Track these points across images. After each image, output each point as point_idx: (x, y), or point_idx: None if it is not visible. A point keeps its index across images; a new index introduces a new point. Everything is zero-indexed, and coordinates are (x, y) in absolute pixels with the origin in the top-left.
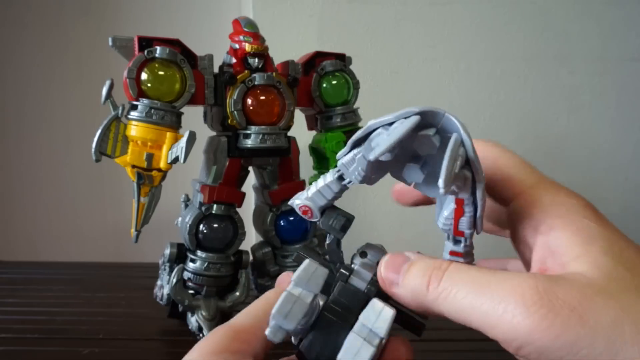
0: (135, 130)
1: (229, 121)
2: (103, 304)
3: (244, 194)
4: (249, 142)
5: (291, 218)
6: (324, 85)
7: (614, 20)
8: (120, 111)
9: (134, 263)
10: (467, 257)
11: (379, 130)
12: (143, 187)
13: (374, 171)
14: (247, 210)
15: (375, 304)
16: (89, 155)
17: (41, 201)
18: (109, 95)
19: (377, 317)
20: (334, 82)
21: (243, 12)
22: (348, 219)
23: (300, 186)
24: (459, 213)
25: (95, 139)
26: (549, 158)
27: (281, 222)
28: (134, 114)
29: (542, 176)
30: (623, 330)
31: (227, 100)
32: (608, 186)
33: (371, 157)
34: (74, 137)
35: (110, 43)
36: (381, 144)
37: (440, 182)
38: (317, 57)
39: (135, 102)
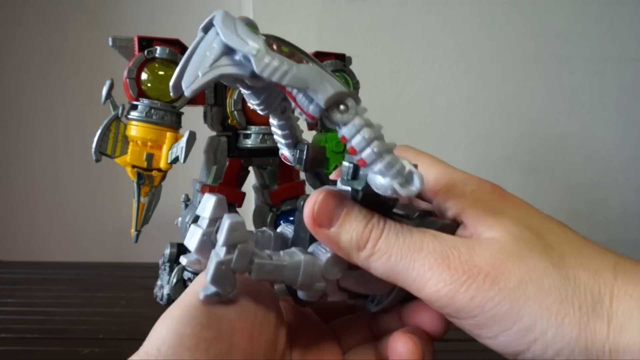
0: (135, 130)
1: (229, 121)
2: (103, 304)
3: (244, 194)
4: (249, 142)
5: (291, 218)
6: None
7: (614, 20)
8: (120, 111)
9: (134, 263)
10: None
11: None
12: (143, 187)
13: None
14: (247, 210)
15: None
16: (89, 155)
17: (41, 201)
18: (109, 95)
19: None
20: None
21: (243, 12)
22: (301, 150)
23: (300, 186)
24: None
25: (95, 139)
26: (549, 158)
27: (281, 222)
28: (134, 114)
29: (453, 170)
30: (527, 290)
31: (227, 100)
32: (608, 186)
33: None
34: (74, 137)
35: (110, 43)
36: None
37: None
38: (317, 57)
39: (135, 102)
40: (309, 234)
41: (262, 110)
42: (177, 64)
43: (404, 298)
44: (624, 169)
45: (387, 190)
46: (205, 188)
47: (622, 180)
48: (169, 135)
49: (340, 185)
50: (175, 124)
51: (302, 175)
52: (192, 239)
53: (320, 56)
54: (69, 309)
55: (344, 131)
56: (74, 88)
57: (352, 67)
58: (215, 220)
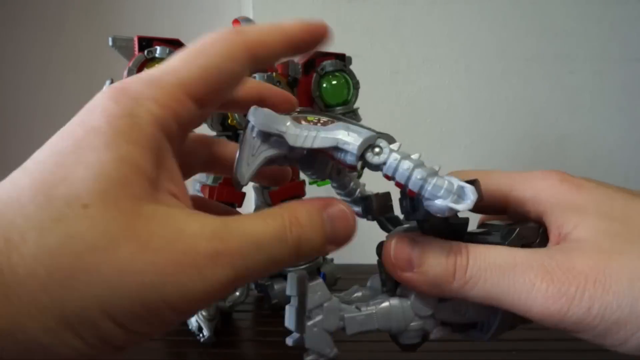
0: None
1: (229, 121)
2: None
3: (244, 194)
4: None
5: None
6: (324, 85)
7: (614, 20)
8: None
9: None
10: None
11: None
12: None
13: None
14: (247, 210)
15: None
16: None
17: None
18: None
19: None
20: (334, 82)
21: (243, 12)
22: (368, 201)
23: (300, 186)
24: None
25: None
26: (549, 158)
27: None
28: None
29: (509, 173)
30: (637, 288)
31: None
32: None
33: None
34: None
35: (110, 43)
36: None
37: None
38: (317, 57)
39: None
40: (393, 279)
41: (318, 177)
42: None
43: (513, 320)
44: (624, 169)
45: (445, 212)
46: (205, 188)
47: (622, 180)
48: None
49: (406, 225)
50: None
51: (302, 175)
52: (289, 318)
53: (320, 56)
54: None
55: (386, 170)
56: (74, 88)
57: (352, 67)
58: (303, 295)
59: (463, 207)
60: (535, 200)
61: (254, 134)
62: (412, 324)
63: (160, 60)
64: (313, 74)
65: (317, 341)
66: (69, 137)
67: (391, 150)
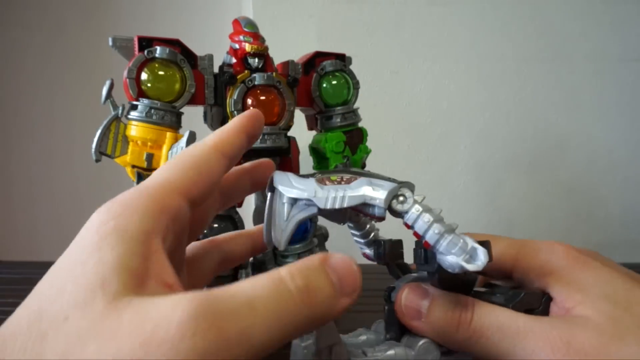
0: (135, 130)
1: (229, 121)
2: None
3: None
4: None
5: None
6: (324, 85)
7: (614, 20)
8: (120, 111)
9: None
10: None
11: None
12: None
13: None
14: (247, 210)
15: None
16: (89, 155)
17: (41, 201)
18: (109, 95)
19: None
20: (334, 82)
21: (243, 12)
22: (379, 245)
23: None
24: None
25: (95, 139)
26: (549, 158)
27: None
28: (134, 114)
29: (515, 241)
30: None
31: (227, 100)
32: (608, 186)
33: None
34: (74, 137)
35: (110, 43)
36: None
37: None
38: (317, 57)
39: (135, 102)
40: (398, 327)
41: (339, 223)
42: (177, 64)
43: None
44: (624, 169)
45: (456, 268)
46: None
47: (622, 180)
48: (169, 135)
49: (414, 274)
50: (175, 124)
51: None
52: (297, 351)
53: (320, 56)
54: None
55: (407, 219)
56: (74, 88)
57: (352, 67)
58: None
59: (474, 268)
60: (541, 271)
61: (284, 200)
62: None
63: (160, 60)
64: (313, 74)
65: None
66: (66, 255)
67: (415, 202)
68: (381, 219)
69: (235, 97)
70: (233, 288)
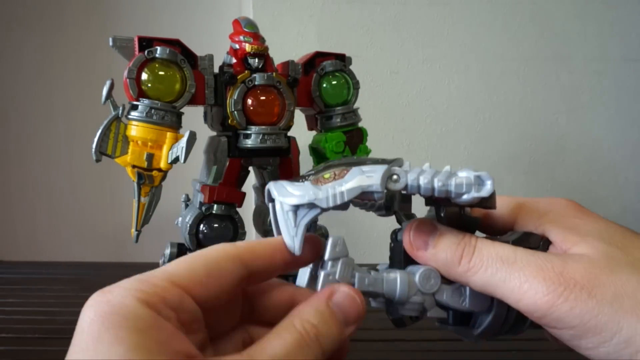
0: (135, 130)
1: (229, 121)
2: None
3: (244, 194)
4: (249, 142)
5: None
6: (324, 85)
7: (614, 20)
8: (120, 111)
9: (134, 263)
10: None
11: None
12: (143, 187)
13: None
14: (247, 210)
15: None
16: (89, 155)
17: (41, 201)
18: (109, 95)
19: None
20: (334, 82)
21: (243, 12)
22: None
23: None
24: None
25: (96, 139)
26: (549, 158)
27: None
28: (134, 114)
29: (517, 198)
30: (623, 303)
31: (227, 100)
32: (608, 186)
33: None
34: (75, 137)
35: (110, 43)
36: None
37: None
38: (317, 57)
39: (135, 102)
40: (403, 262)
41: (345, 209)
42: (177, 64)
43: (504, 320)
44: (623, 168)
45: (474, 202)
46: (206, 188)
47: (621, 180)
48: (169, 135)
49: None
50: (175, 124)
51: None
52: (301, 277)
53: (320, 56)
54: (69, 308)
55: (410, 191)
56: (74, 88)
57: (352, 67)
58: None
59: (487, 191)
60: (540, 219)
61: (286, 209)
62: (413, 297)
63: (160, 60)
64: (313, 74)
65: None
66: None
67: (406, 172)
68: (382, 199)
69: (235, 97)
70: (268, 350)
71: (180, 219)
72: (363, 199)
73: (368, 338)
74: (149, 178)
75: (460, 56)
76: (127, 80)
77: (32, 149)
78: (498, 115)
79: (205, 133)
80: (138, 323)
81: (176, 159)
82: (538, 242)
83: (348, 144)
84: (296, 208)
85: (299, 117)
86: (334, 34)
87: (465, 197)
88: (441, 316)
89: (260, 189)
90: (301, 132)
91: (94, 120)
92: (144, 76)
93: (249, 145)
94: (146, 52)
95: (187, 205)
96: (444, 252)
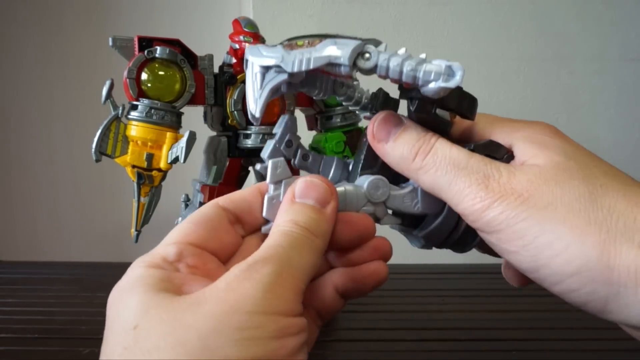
0: (135, 130)
1: (229, 121)
2: (103, 304)
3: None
4: (249, 142)
5: None
6: None
7: (614, 20)
8: (120, 111)
9: None
10: None
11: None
12: (143, 187)
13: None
14: None
15: None
16: (89, 155)
17: (41, 201)
18: (109, 95)
19: None
20: None
21: (243, 12)
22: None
23: None
24: None
25: (95, 139)
26: None
27: None
28: (134, 114)
29: (504, 117)
30: (555, 210)
31: (227, 100)
32: None
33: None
34: (74, 137)
35: (110, 43)
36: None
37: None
38: None
39: (135, 102)
40: (362, 156)
41: (325, 95)
42: (177, 64)
43: (453, 230)
44: (624, 168)
45: (440, 92)
46: (206, 188)
47: None
48: (169, 135)
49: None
50: (175, 124)
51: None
52: (266, 148)
53: None
54: (69, 309)
55: (379, 71)
56: (74, 88)
57: None
58: (284, 135)
59: (455, 83)
60: (514, 134)
61: (255, 70)
62: (364, 208)
63: (160, 60)
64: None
65: (274, 212)
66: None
67: (379, 53)
68: (349, 77)
69: (235, 97)
70: (264, 247)
71: (180, 219)
72: (330, 74)
73: (368, 338)
74: (149, 178)
75: (460, 56)
76: (127, 80)
77: (32, 149)
78: (498, 115)
79: (205, 133)
80: (148, 278)
81: (176, 159)
82: (503, 154)
83: (348, 144)
84: (265, 70)
85: (299, 117)
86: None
87: (432, 85)
88: (395, 223)
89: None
90: (301, 132)
91: (94, 120)
92: (144, 76)
93: (249, 145)
94: (146, 52)
95: (187, 205)
96: (402, 146)
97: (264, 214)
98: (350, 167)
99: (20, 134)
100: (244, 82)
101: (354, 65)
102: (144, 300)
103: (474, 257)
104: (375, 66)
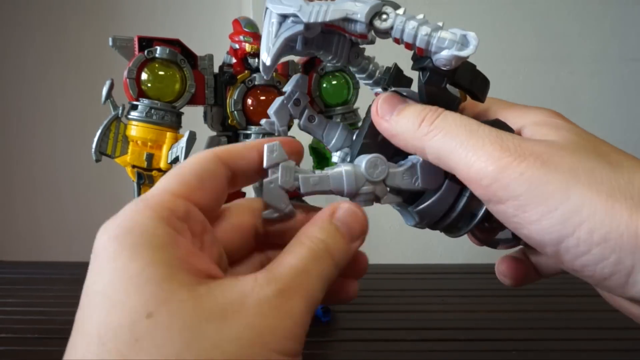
0: (135, 130)
1: (229, 121)
2: None
3: (244, 194)
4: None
5: None
6: (324, 85)
7: (614, 20)
8: (120, 111)
9: None
10: None
11: None
12: (143, 187)
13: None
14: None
15: None
16: (89, 155)
17: (42, 201)
18: (109, 95)
19: None
20: (334, 82)
21: (243, 12)
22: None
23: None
24: None
25: (95, 139)
26: None
27: None
28: (134, 114)
29: (514, 103)
30: (578, 174)
31: (227, 100)
32: None
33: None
34: (75, 137)
35: (110, 43)
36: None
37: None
38: (317, 57)
39: (135, 102)
40: (365, 131)
41: (338, 60)
42: (177, 64)
43: (450, 209)
44: None
45: (452, 60)
46: None
47: None
48: (169, 135)
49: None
50: (175, 124)
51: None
52: (273, 104)
53: None
54: (69, 309)
55: (394, 34)
56: (74, 88)
57: None
58: (294, 93)
59: (468, 52)
60: (522, 117)
61: (273, 19)
62: (363, 187)
63: (160, 60)
64: (313, 74)
65: (274, 197)
66: (92, 284)
67: (397, 15)
68: (364, 36)
69: (235, 97)
70: (286, 262)
71: None
72: (345, 31)
73: (368, 338)
74: (149, 178)
75: None
76: (127, 80)
77: (32, 149)
78: None
79: (205, 133)
80: (155, 239)
81: (176, 159)
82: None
83: None
84: (282, 19)
85: None
86: None
87: (444, 53)
88: (396, 201)
89: (260, 188)
90: (301, 132)
91: (94, 120)
92: (144, 76)
93: None
94: (146, 52)
95: None
96: (406, 117)
97: (264, 197)
98: (354, 137)
99: (21, 134)
100: (243, 82)
101: (370, 24)
102: (159, 282)
103: (474, 257)
104: (391, 28)
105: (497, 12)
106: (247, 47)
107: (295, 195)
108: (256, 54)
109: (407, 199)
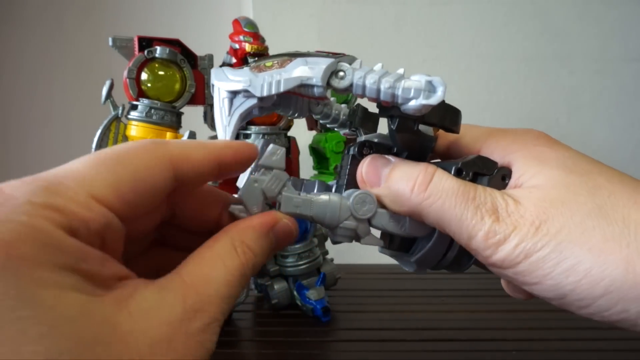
0: (135, 130)
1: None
2: None
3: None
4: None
5: None
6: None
7: (614, 20)
8: (120, 111)
9: None
10: None
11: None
12: None
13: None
14: None
15: None
16: None
17: None
18: (109, 95)
19: None
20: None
21: (243, 12)
22: (351, 114)
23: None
24: None
25: (95, 138)
26: None
27: None
28: (134, 114)
29: (496, 128)
30: (569, 233)
31: None
32: None
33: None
34: (75, 137)
35: (110, 43)
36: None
37: None
38: None
39: (135, 102)
40: (346, 180)
41: (300, 115)
42: (177, 64)
43: (446, 252)
44: (624, 168)
45: (422, 109)
46: None
47: None
48: (169, 135)
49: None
50: (175, 124)
51: (302, 175)
52: (241, 180)
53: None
54: None
55: (355, 91)
56: (74, 88)
57: None
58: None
59: (437, 99)
60: (508, 149)
61: (223, 96)
62: (346, 222)
63: (160, 60)
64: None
65: (251, 196)
66: None
67: (354, 70)
68: (323, 98)
69: None
70: (212, 276)
71: None
72: (303, 95)
73: (368, 338)
74: None
75: (460, 56)
76: (127, 80)
77: (32, 149)
78: (498, 115)
79: (205, 133)
80: (59, 259)
81: None
82: (493, 169)
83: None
84: (233, 95)
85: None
86: (334, 33)
87: (412, 103)
88: (377, 244)
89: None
90: (301, 132)
91: (93, 120)
92: (144, 76)
93: None
94: (146, 52)
95: None
96: (397, 184)
97: (240, 193)
98: (334, 190)
99: (20, 134)
100: None
101: (327, 85)
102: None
103: None
104: (351, 85)
105: (497, 12)
106: (247, 47)
107: (273, 205)
108: (256, 54)
109: (397, 243)
